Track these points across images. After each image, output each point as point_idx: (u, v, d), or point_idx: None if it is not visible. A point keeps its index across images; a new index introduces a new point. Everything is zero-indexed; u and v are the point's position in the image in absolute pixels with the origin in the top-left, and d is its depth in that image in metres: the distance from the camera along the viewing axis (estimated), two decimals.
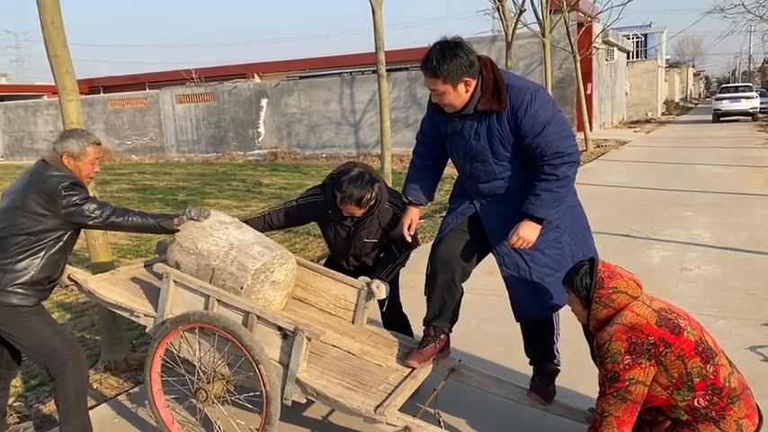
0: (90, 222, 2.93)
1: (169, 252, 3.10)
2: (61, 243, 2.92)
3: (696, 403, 2.36)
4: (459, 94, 2.74)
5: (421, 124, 3.16)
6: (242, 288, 2.95)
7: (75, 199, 2.87)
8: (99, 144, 3.07)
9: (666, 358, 2.35)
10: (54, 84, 3.86)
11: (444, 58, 2.66)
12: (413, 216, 3.18)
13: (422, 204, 3.20)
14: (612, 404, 2.39)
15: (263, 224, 3.49)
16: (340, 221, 3.34)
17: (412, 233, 3.20)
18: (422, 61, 2.74)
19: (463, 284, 3.06)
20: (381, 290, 3.24)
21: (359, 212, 3.23)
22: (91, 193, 3.12)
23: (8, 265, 2.81)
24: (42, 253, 2.86)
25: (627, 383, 2.36)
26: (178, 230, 3.07)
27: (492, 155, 2.83)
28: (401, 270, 3.42)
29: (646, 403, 2.44)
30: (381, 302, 3.36)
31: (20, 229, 2.82)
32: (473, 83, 2.73)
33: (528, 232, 2.80)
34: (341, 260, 3.53)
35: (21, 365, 3.33)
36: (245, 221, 3.42)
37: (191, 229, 3.07)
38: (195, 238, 3.04)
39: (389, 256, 3.36)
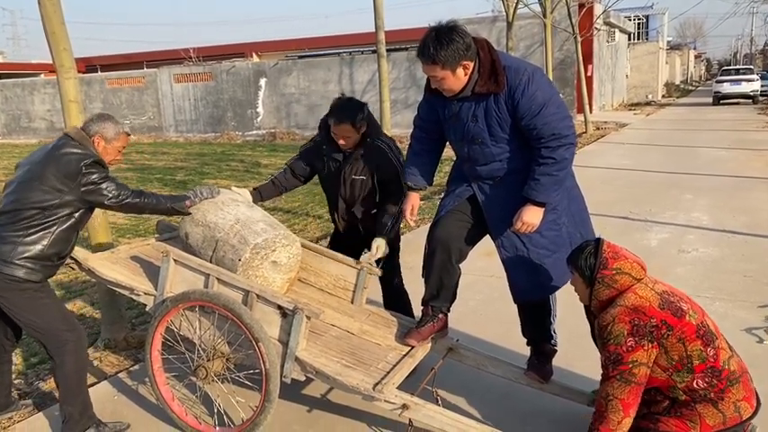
0: (106, 202, 2.94)
1: (182, 223, 3.23)
2: (73, 220, 2.91)
3: (695, 385, 2.38)
4: (459, 78, 2.73)
5: (418, 108, 3.14)
6: (240, 260, 2.96)
7: (94, 177, 2.87)
8: (129, 135, 3.15)
9: (668, 341, 2.36)
10: (51, 62, 3.83)
11: (441, 43, 2.63)
12: (413, 201, 3.17)
13: (421, 189, 3.19)
14: (617, 387, 2.40)
15: (274, 187, 3.63)
16: (333, 157, 3.42)
17: (414, 218, 3.20)
18: (418, 49, 2.72)
19: (461, 265, 3.07)
20: (381, 248, 3.25)
21: (351, 137, 3.29)
22: None
23: (18, 237, 2.79)
24: (54, 228, 2.85)
25: (630, 366, 2.37)
26: (190, 213, 3.16)
27: (490, 137, 2.82)
28: (400, 252, 3.38)
29: (645, 384, 2.45)
30: (378, 261, 3.34)
31: (34, 203, 2.79)
32: (471, 65, 2.71)
33: (531, 217, 2.80)
34: (334, 211, 3.55)
35: (22, 336, 3.33)
36: (257, 189, 3.59)
37: (204, 202, 3.18)
38: (206, 211, 3.15)
39: (385, 210, 3.34)
